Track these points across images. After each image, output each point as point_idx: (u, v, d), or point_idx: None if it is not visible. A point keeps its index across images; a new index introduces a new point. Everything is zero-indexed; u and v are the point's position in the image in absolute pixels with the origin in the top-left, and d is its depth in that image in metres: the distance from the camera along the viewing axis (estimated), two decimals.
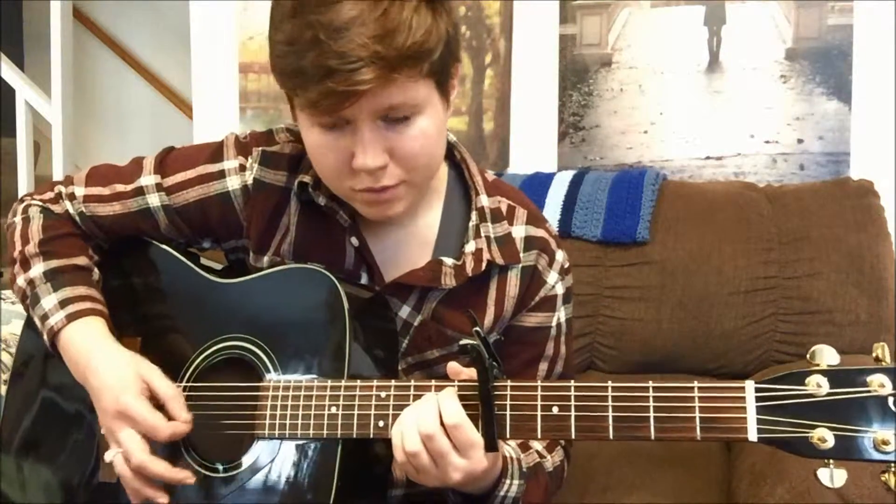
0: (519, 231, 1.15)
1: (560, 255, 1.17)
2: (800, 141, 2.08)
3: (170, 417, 1.06)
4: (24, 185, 3.13)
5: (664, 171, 2.03)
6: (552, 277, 1.16)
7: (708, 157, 2.14)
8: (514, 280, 1.13)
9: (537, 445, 1.14)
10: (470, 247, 1.11)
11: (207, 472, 1.08)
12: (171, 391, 1.07)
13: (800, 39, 2.08)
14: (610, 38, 2.20)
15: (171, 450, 1.08)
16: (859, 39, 2.04)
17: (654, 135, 2.17)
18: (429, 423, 0.93)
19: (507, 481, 1.03)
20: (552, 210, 1.87)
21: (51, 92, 3.09)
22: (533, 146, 2.26)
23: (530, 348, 1.16)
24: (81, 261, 1.17)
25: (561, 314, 1.17)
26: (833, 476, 0.83)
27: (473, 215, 1.13)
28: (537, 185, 1.93)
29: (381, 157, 0.98)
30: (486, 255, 1.10)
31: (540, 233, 1.16)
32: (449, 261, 1.11)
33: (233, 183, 1.14)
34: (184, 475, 1.05)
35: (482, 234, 1.12)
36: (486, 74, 2.30)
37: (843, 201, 1.77)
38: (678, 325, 1.76)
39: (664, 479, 1.53)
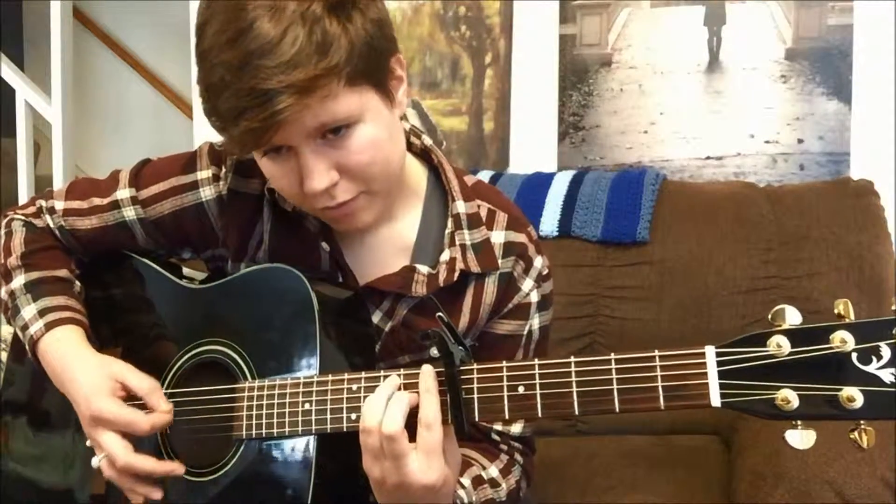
0: (498, 237, 1.12)
1: (538, 262, 1.15)
2: (800, 141, 2.08)
3: (150, 411, 1.05)
4: (24, 185, 3.13)
5: (664, 171, 2.03)
6: (527, 285, 1.13)
7: (708, 157, 2.14)
8: (491, 287, 1.11)
9: (493, 472, 1.12)
10: (444, 255, 1.10)
11: (188, 477, 1.07)
12: (146, 385, 1.07)
13: (800, 39, 2.08)
14: (610, 38, 2.20)
15: (152, 456, 1.07)
16: (859, 39, 2.04)
17: (654, 135, 2.18)
18: (371, 418, 0.93)
19: None
20: (552, 210, 1.88)
21: (51, 92, 3.09)
22: (533, 146, 2.26)
23: (500, 355, 1.11)
24: (62, 273, 1.17)
25: (534, 322, 1.15)
26: (801, 437, 0.82)
27: (449, 222, 1.11)
28: (537, 185, 1.93)
29: (326, 177, 0.96)
30: (459, 265, 1.08)
31: (520, 238, 1.14)
32: (423, 269, 1.09)
33: (206, 193, 1.13)
34: (172, 466, 1.05)
35: (457, 243, 1.10)
36: (486, 74, 2.30)
37: (843, 201, 1.77)
38: (678, 325, 1.76)
39: (664, 479, 1.53)
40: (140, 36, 4.20)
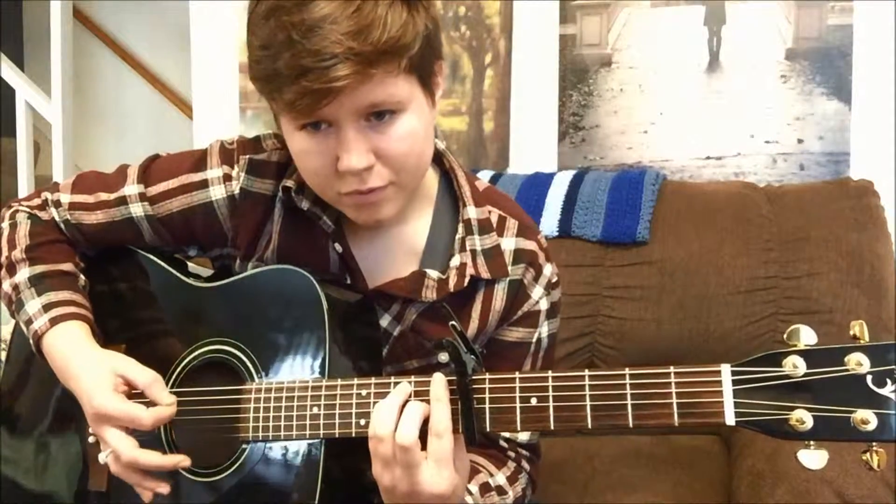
0: (509, 243, 1.12)
1: (548, 270, 1.15)
2: (800, 141, 2.08)
3: (152, 404, 1.05)
4: (24, 185, 3.13)
5: (664, 171, 2.03)
6: (537, 292, 1.14)
7: (708, 157, 2.14)
8: (500, 294, 1.11)
9: (500, 479, 1.12)
10: (455, 261, 1.10)
11: (193, 477, 1.07)
12: (148, 378, 1.06)
13: (800, 39, 2.08)
14: (610, 38, 2.20)
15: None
16: (859, 39, 2.04)
17: (654, 135, 2.17)
18: (384, 426, 0.93)
19: None
20: (552, 210, 1.87)
21: (51, 92, 3.10)
22: (533, 146, 2.25)
23: (508, 363, 1.14)
24: (67, 266, 1.16)
25: (543, 329, 1.15)
26: (814, 458, 0.82)
27: (460, 227, 1.11)
28: (537, 185, 1.93)
29: (365, 158, 0.96)
30: (469, 271, 1.08)
31: (530, 245, 1.14)
32: (434, 274, 1.09)
33: (216, 193, 1.13)
34: (177, 459, 1.04)
35: (467, 248, 1.10)
36: (486, 74, 2.30)
37: (843, 201, 1.77)
38: (678, 325, 1.76)
39: (664, 479, 1.53)
40: (140, 36, 4.20)
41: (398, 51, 0.93)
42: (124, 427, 1.04)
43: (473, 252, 1.10)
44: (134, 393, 1.06)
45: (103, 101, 4.24)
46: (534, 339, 1.15)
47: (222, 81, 2.48)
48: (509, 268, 1.11)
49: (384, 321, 1.11)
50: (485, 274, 1.09)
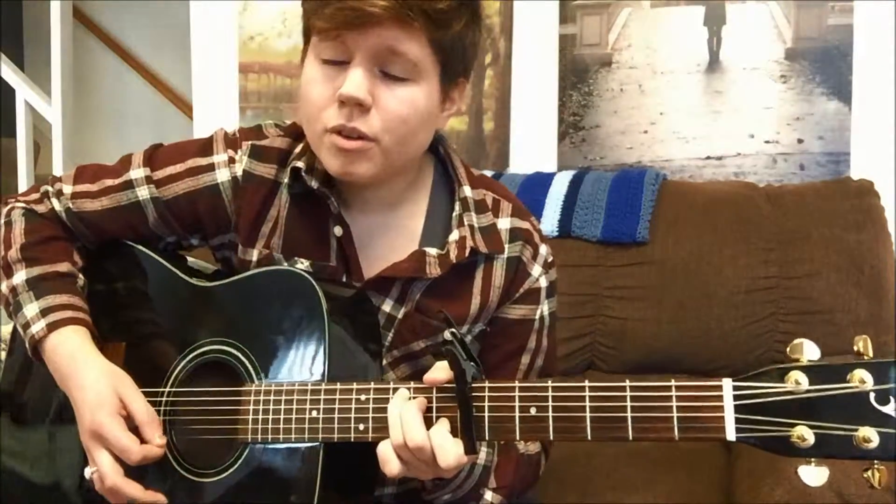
0: (504, 223, 1.15)
1: (543, 249, 1.18)
2: (800, 141, 2.08)
3: (144, 440, 1.05)
4: (24, 185, 3.13)
5: (664, 171, 2.03)
6: (536, 270, 1.16)
7: (708, 157, 2.14)
8: (499, 270, 1.14)
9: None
10: (453, 235, 1.12)
11: (191, 477, 1.07)
12: (146, 415, 1.06)
13: (800, 39, 2.08)
14: (610, 38, 2.20)
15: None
16: (859, 39, 2.04)
17: (654, 135, 2.18)
18: (396, 434, 0.96)
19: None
20: (552, 210, 1.88)
21: (51, 92, 3.10)
22: (533, 146, 2.26)
23: (513, 341, 1.17)
24: (64, 267, 1.16)
25: (544, 307, 1.18)
26: (814, 474, 0.82)
27: (457, 205, 1.14)
28: (537, 185, 1.93)
29: (363, 92, 1.00)
30: (469, 242, 1.10)
31: (525, 225, 1.17)
32: (433, 251, 1.11)
33: (222, 175, 1.15)
34: (157, 497, 1.05)
35: (465, 223, 1.12)
36: (486, 74, 2.30)
37: (843, 201, 1.77)
38: (678, 325, 1.76)
39: (664, 479, 1.53)
40: (140, 36, 4.20)
41: (438, 22, 0.99)
42: (113, 452, 1.04)
43: (471, 227, 1.12)
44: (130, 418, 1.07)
45: (103, 101, 4.23)
46: (536, 317, 1.17)
47: (222, 81, 2.47)
48: (506, 245, 1.14)
49: (387, 306, 1.12)
50: (482, 247, 1.12)
